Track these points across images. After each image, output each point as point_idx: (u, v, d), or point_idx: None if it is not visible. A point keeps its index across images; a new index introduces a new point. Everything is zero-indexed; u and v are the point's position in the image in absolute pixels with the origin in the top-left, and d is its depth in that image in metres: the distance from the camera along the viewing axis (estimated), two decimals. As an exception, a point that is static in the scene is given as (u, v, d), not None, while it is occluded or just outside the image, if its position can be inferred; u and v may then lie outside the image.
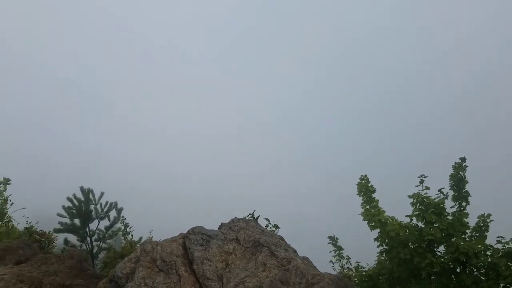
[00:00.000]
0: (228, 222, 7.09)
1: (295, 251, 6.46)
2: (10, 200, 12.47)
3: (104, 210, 14.89)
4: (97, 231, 14.38)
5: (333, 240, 11.46)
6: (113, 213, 14.96)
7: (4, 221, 12.12)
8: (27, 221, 12.53)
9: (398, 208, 9.90)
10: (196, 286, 6.09)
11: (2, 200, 12.17)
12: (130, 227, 15.06)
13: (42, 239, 11.40)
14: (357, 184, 10.05)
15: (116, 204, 15.05)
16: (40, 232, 11.76)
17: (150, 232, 14.29)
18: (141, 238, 14.39)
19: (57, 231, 13.21)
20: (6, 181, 12.56)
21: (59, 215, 13.89)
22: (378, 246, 9.66)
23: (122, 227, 15.00)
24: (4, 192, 12.39)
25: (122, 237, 15.06)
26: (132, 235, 14.67)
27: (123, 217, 14.97)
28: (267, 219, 9.26)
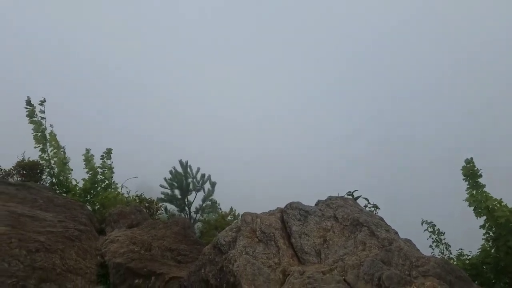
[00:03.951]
0: (325, 200, 7.12)
1: (396, 233, 6.30)
2: (113, 167, 13.63)
3: (200, 183, 15.83)
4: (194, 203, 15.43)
5: (429, 224, 10.88)
6: (207, 186, 15.89)
7: (114, 189, 13.36)
8: (128, 190, 13.71)
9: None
10: (294, 259, 6.23)
11: (107, 169, 13.38)
12: (217, 203, 15.74)
13: (151, 206, 12.44)
14: (462, 168, 9.45)
15: (210, 177, 15.91)
16: (149, 199, 12.81)
17: (232, 207, 14.86)
18: (231, 209, 15.03)
19: (160, 200, 14.38)
20: (109, 151, 13.74)
21: (162, 186, 15.09)
22: (484, 234, 9.05)
23: (215, 201, 15.76)
24: (108, 161, 13.56)
25: (214, 209, 15.80)
26: (220, 209, 15.35)
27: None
28: (366, 199, 9.11)
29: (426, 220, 11.01)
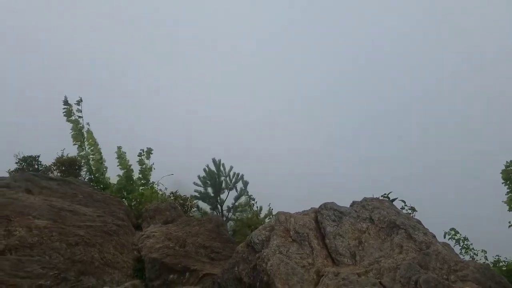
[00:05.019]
0: (361, 201, 7.04)
1: (434, 236, 6.15)
2: (154, 168, 13.97)
3: (232, 182, 15.93)
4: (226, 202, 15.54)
5: (451, 234, 10.50)
6: (239, 185, 15.97)
7: (150, 186, 13.67)
8: (165, 188, 13.99)
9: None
10: (328, 260, 6.19)
11: (146, 169, 13.71)
12: (255, 200, 15.76)
13: (185, 203, 12.65)
14: (501, 172, 9.13)
15: (242, 176, 15.99)
16: (184, 197, 13.05)
17: (269, 205, 14.85)
18: (261, 208, 15.06)
19: (193, 197, 14.58)
20: (149, 151, 14.09)
21: (195, 184, 15.29)
22: None
23: (248, 199, 15.81)
24: (147, 161, 13.92)
25: (248, 208, 15.85)
26: (257, 207, 15.38)
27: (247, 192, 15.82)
28: (403, 201, 8.93)
29: (448, 231, 10.69)
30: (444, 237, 10.61)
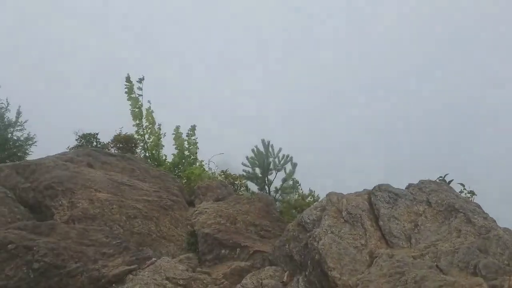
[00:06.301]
0: (417, 183, 6.88)
1: (494, 221, 5.91)
2: (198, 143, 14.25)
3: (281, 163, 15.94)
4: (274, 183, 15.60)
5: None
6: (288, 167, 15.95)
7: (200, 165, 14.01)
8: (216, 166, 14.27)
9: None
10: (382, 242, 6.12)
11: (192, 145, 14.01)
12: (299, 183, 15.70)
13: (235, 182, 12.89)
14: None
15: (291, 158, 15.95)
16: (234, 175, 13.30)
17: (309, 188, 14.80)
18: (311, 191, 15.02)
19: (241, 177, 14.78)
20: (193, 128, 14.36)
21: (243, 164, 15.44)
22: None
23: (296, 182, 15.79)
24: (192, 137, 14.19)
25: (293, 190, 15.84)
26: (301, 190, 15.35)
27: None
28: (462, 184, 8.61)
29: None
30: None
